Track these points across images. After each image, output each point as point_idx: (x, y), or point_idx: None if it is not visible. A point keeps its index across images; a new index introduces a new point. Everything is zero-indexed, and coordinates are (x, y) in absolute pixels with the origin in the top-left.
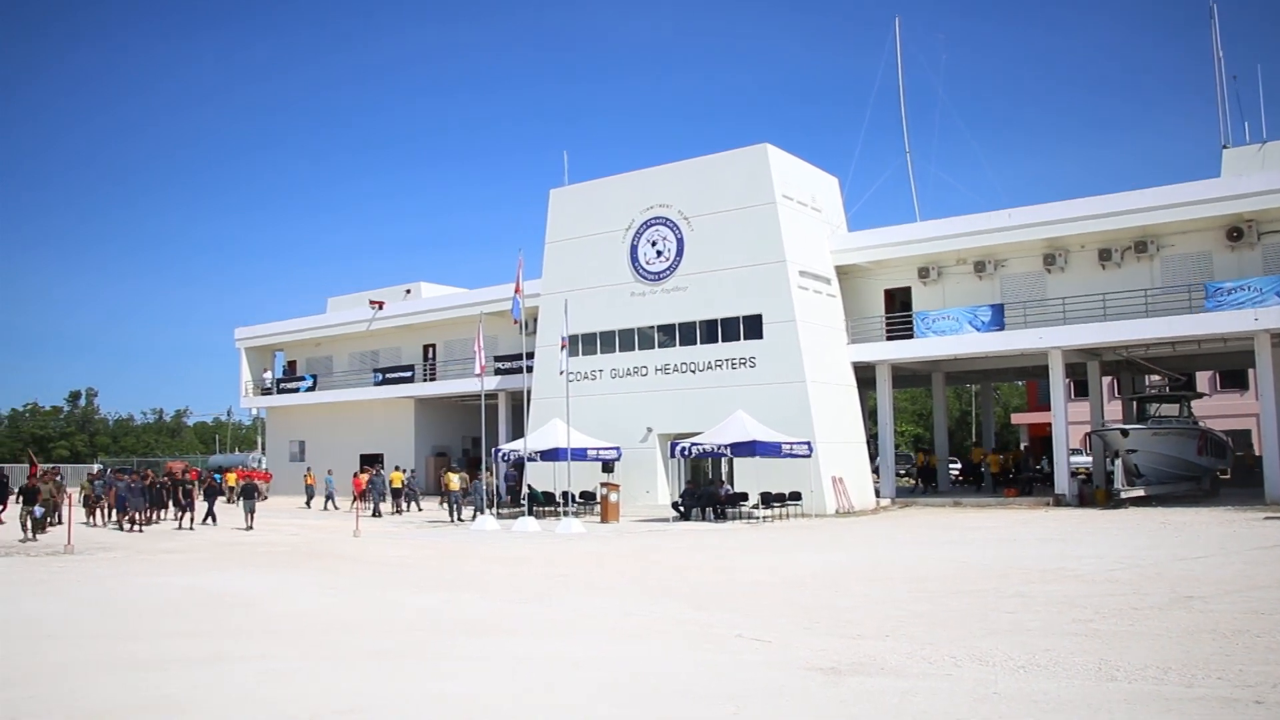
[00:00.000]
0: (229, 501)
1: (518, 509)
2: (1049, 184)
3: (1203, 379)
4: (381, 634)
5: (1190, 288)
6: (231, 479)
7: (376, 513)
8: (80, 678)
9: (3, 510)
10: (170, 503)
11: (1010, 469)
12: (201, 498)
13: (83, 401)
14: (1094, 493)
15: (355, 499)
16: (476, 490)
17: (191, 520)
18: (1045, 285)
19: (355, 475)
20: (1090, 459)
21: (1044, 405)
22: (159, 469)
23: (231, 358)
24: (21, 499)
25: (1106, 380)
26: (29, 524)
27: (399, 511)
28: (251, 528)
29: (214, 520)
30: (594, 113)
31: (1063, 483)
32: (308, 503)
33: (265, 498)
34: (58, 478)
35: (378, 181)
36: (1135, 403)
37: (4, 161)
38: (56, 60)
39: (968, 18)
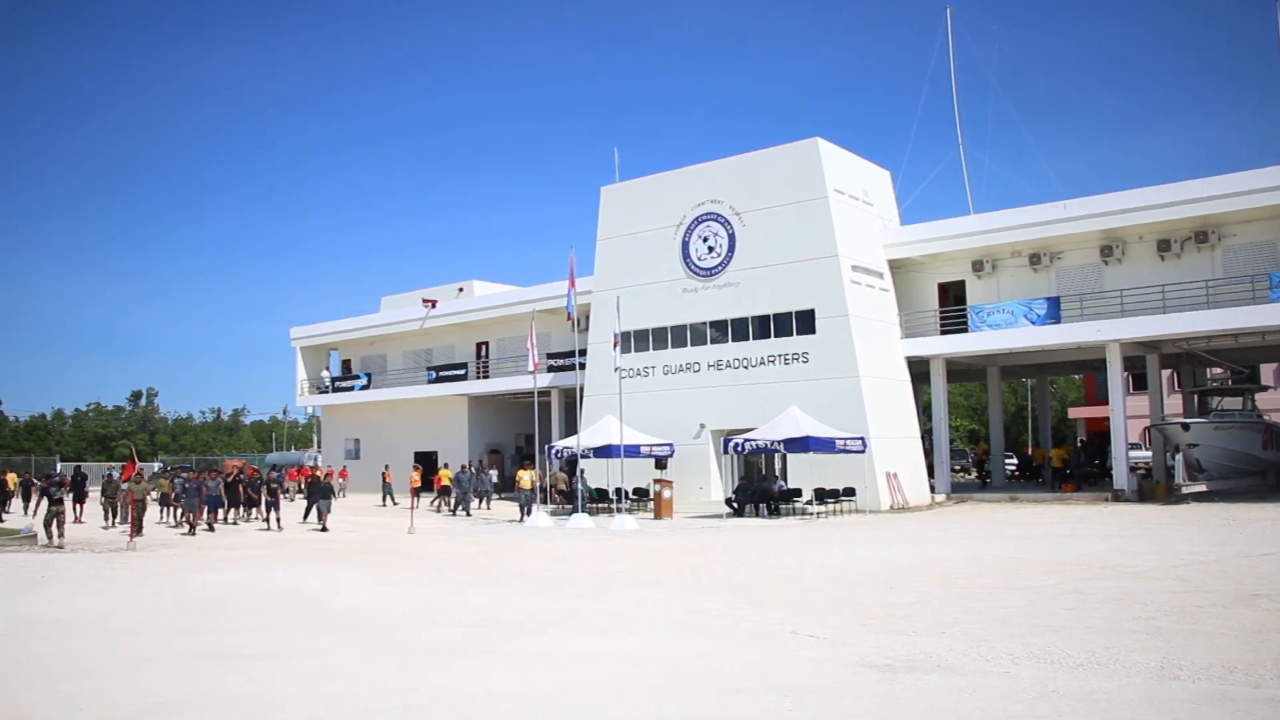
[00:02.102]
0: (289, 500)
1: (570, 506)
2: (1105, 174)
3: (1267, 371)
4: (436, 630)
5: (1253, 278)
6: (298, 476)
7: (466, 511)
8: (143, 671)
9: (81, 510)
10: (251, 501)
11: (1067, 464)
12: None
13: (143, 401)
14: (1154, 488)
15: (413, 496)
16: (459, 483)
17: (279, 520)
18: (1102, 277)
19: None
20: (1150, 453)
21: (1102, 399)
22: (217, 467)
23: (287, 357)
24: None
25: (1166, 373)
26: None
27: (447, 510)
28: (326, 528)
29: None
30: (645, 109)
31: (1122, 478)
32: (384, 500)
33: (343, 495)
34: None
35: (430, 181)
36: (1196, 396)
37: (71, 166)
38: (123, 65)
39: (1021, 6)
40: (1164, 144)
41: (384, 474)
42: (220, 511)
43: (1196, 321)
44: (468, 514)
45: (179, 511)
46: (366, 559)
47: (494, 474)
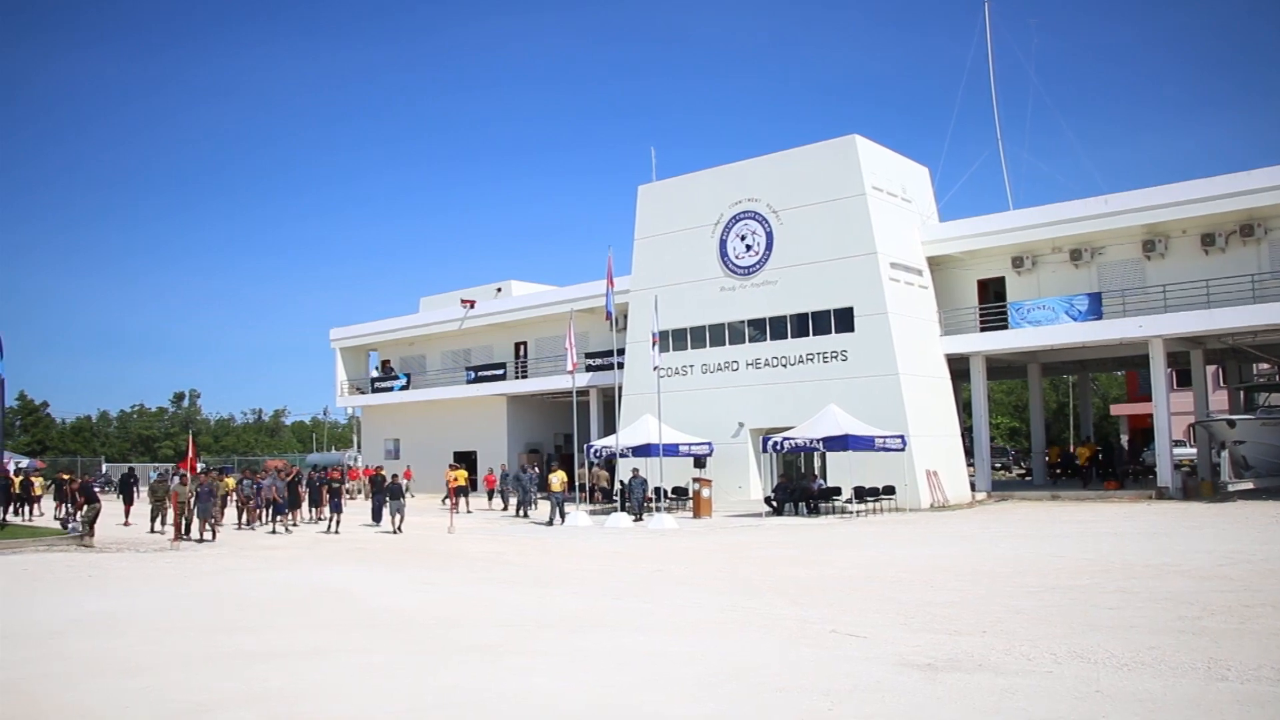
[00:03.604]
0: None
1: (610, 505)
2: (1147, 168)
3: None
4: (477, 629)
5: None
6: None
7: (525, 513)
8: (187, 669)
9: (128, 511)
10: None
11: (1093, 461)
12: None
13: (186, 402)
14: (1199, 486)
15: (450, 497)
16: (519, 482)
17: (338, 522)
18: (1145, 272)
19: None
20: (1195, 451)
21: (1144, 396)
22: (258, 468)
23: (327, 358)
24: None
25: (1211, 369)
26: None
27: (505, 510)
28: (401, 530)
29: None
30: (682, 108)
31: (1166, 475)
32: (490, 499)
33: (412, 496)
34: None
35: (468, 181)
36: (1242, 392)
37: (116, 173)
38: (170, 67)
39: None
40: (1208, 136)
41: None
42: (271, 511)
43: (1242, 316)
44: (525, 515)
45: (240, 512)
46: (406, 558)
47: (535, 473)
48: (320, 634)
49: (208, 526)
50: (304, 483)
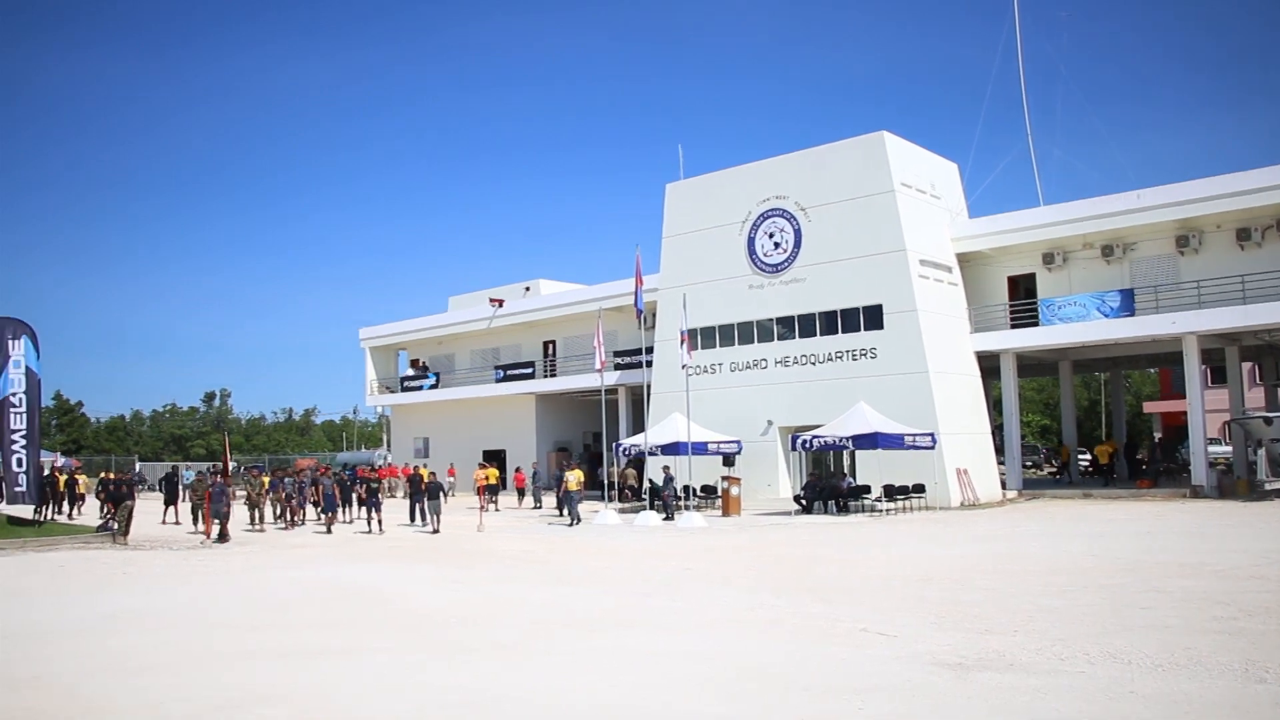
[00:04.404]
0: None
1: (639, 503)
2: (1181, 162)
3: None
4: (504, 628)
5: None
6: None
7: (564, 511)
8: (217, 666)
9: (174, 511)
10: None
11: (1114, 459)
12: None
13: (217, 402)
14: (1235, 484)
15: (481, 495)
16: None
17: (380, 522)
18: (1178, 268)
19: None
20: (1230, 449)
21: (1178, 393)
22: (288, 467)
23: (357, 358)
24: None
25: (1247, 366)
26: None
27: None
28: (438, 530)
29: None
30: (709, 105)
31: (1200, 473)
32: (520, 498)
33: (453, 495)
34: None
35: (496, 181)
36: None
37: (145, 176)
38: (190, 68)
39: None
40: (1243, 129)
41: (447, 471)
42: (306, 512)
43: (1279, 312)
44: (564, 514)
45: (278, 509)
46: (435, 557)
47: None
48: (348, 632)
49: (214, 524)
50: (356, 481)
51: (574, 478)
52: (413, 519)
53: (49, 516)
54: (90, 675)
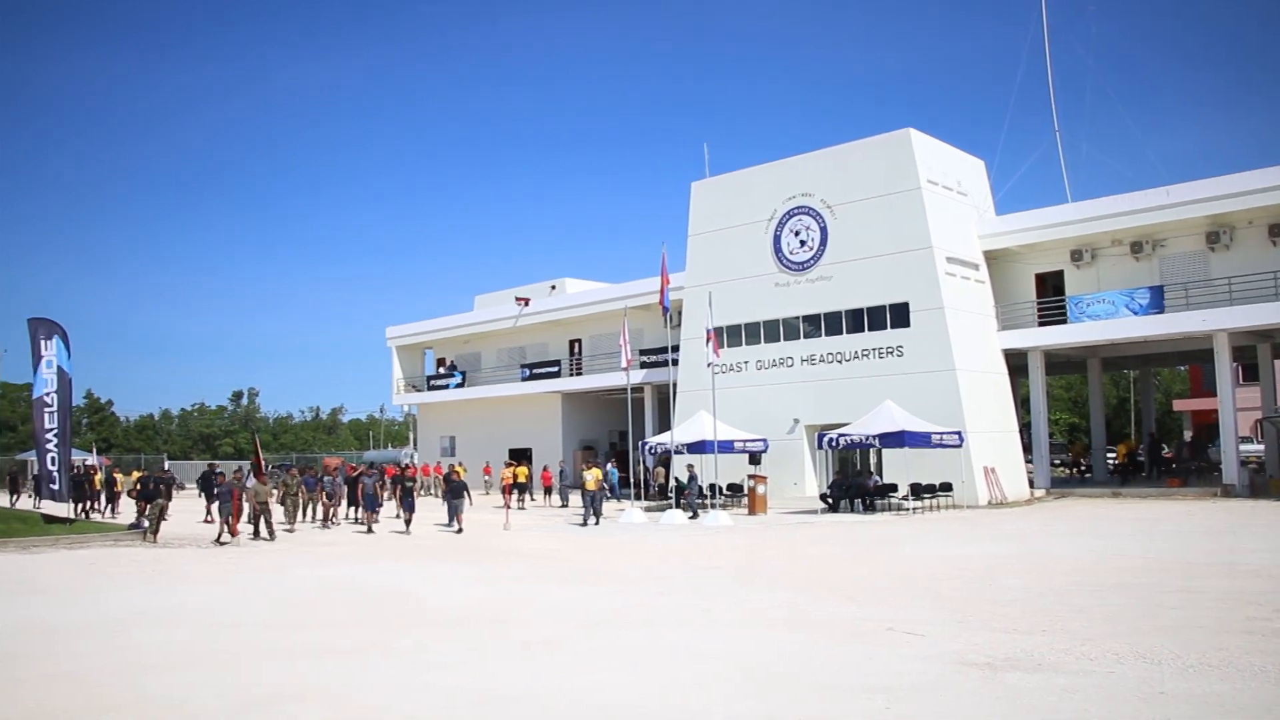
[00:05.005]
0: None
1: (665, 501)
2: (1211, 157)
3: None
4: (529, 626)
5: None
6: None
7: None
8: (244, 664)
9: (214, 509)
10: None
11: (1130, 457)
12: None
13: (245, 400)
14: (1267, 483)
15: (504, 493)
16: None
17: (409, 522)
18: (1209, 265)
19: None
20: (1262, 447)
21: (1209, 391)
22: (315, 465)
23: (384, 357)
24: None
25: (1279, 363)
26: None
27: (522, 507)
28: (461, 530)
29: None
30: (734, 103)
31: (1232, 472)
32: (547, 495)
33: (488, 493)
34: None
35: (522, 180)
36: None
37: (171, 175)
38: (232, 69)
39: None
40: (1276, 123)
41: (483, 470)
42: (340, 510)
43: None
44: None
45: (308, 509)
46: (461, 555)
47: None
48: (375, 630)
49: (224, 523)
50: (404, 481)
51: (592, 476)
52: (451, 521)
53: (85, 514)
54: (119, 672)
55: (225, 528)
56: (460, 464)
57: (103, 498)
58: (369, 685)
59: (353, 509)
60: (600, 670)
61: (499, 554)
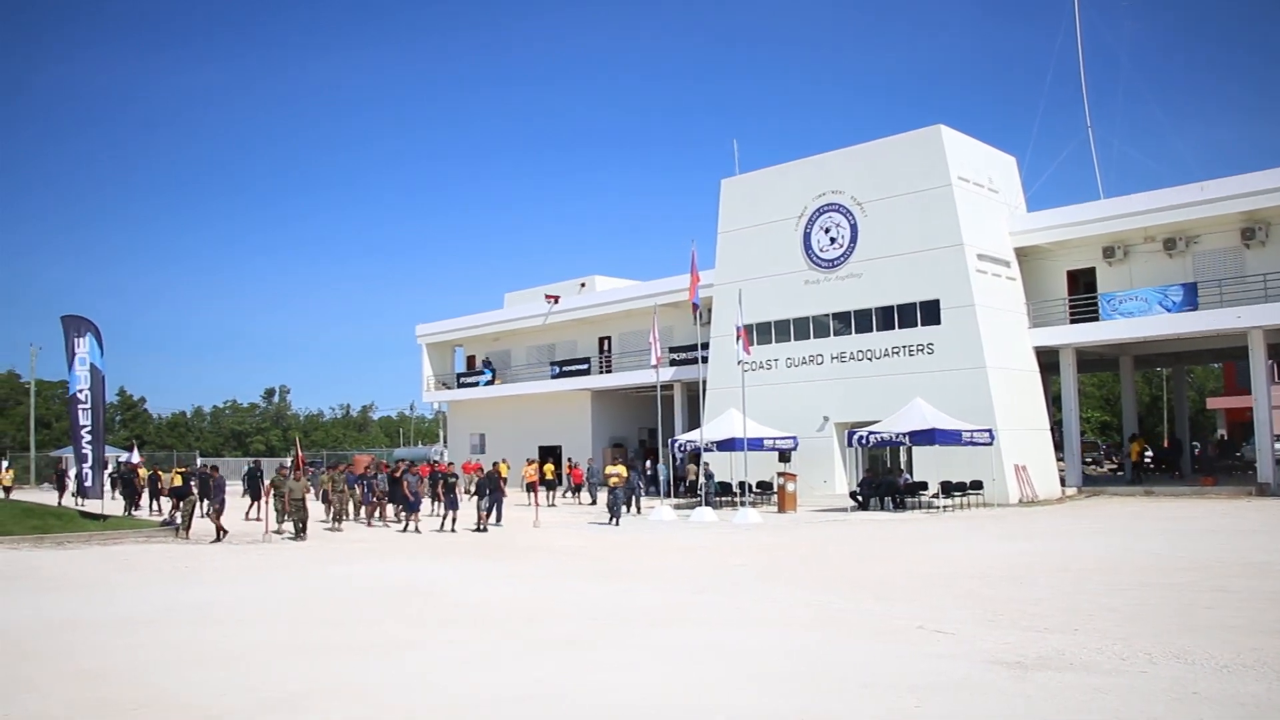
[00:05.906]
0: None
1: (694, 499)
2: (1245, 153)
3: None
4: (559, 624)
5: None
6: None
7: (627, 510)
8: (274, 661)
9: (256, 508)
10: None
11: (1144, 455)
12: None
13: (276, 398)
14: None
15: (530, 490)
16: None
17: (454, 520)
18: (1243, 261)
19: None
20: None
21: (1243, 388)
22: (348, 462)
23: (414, 354)
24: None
25: None
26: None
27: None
28: (484, 529)
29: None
30: (764, 100)
31: (1266, 471)
32: (576, 493)
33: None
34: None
35: (552, 178)
36: None
37: (204, 174)
38: (262, 68)
39: None
40: None
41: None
42: (379, 509)
43: None
44: (638, 512)
45: (359, 508)
46: (491, 553)
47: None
48: (405, 627)
49: (214, 520)
50: (446, 478)
51: (616, 473)
52: (498, 521)
53: (130, 512)
54: (153, 667)
55: (264, 522)
56: (503, 461)
57: (146, 494)
58: (399, 682)
59: (393, 507)
60: (626, 667)
61: (529, 552)
